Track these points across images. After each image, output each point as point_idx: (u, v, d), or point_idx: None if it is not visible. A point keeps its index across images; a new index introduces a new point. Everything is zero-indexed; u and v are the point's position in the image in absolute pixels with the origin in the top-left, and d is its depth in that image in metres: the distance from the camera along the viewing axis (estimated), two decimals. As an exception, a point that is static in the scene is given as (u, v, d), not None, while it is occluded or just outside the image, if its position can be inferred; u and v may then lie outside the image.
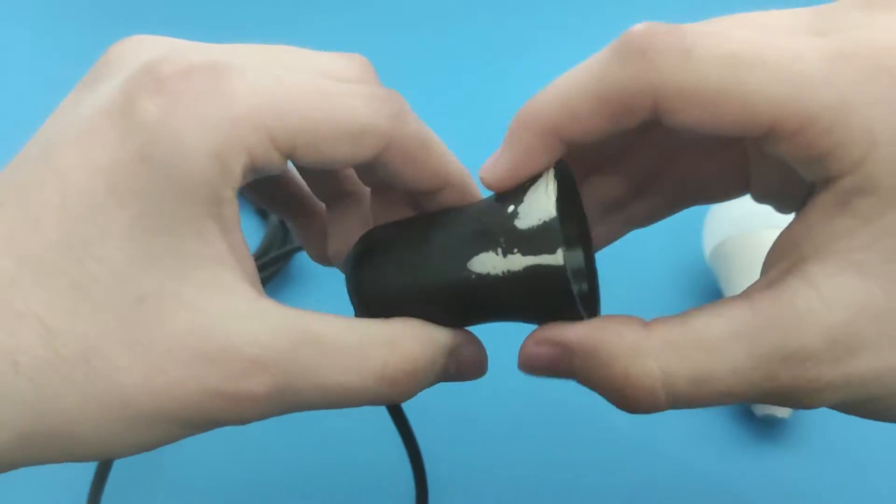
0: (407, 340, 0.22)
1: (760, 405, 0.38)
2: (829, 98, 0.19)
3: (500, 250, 0.22)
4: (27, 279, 0.20)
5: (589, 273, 0.26)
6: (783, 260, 0.21)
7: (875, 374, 0.20)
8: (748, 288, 0.22)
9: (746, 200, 0.28)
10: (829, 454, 0.38)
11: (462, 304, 0.23)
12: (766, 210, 0.28)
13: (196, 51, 0.21)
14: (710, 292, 0.44)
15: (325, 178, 0.28)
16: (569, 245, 0.26)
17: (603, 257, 0.27)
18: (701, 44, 0.20)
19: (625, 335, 0.21)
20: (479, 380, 0.41)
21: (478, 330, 0.25)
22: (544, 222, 0.22)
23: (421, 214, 0.26)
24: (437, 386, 0.24)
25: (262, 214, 0.50)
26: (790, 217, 0.23)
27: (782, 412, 0.38)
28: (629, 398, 0.21)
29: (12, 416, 0.19)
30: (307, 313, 0.22)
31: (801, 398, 0.20)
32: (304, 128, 0.21)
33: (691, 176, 0.27)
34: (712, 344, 0.20)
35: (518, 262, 0.22)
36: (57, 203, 0.20)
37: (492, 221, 0.23)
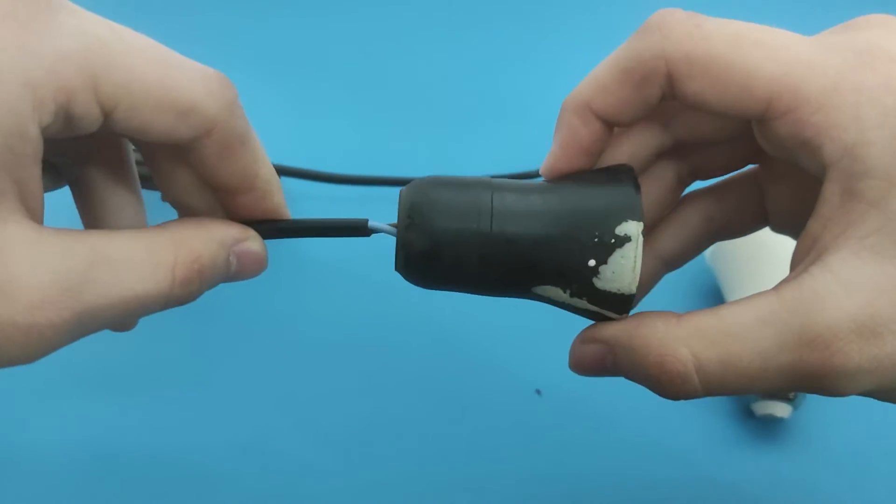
0: (189, 240, 0.23)
1: (760, 405, 0.38)
2: (820, 81, 0.21)
3: (568, 292, 0.23)
4: None
5: None
6: (807, 255, 0.22)
7: None
8: (778, 283, 0.22)
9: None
10: (829, 454, 0.38)
11: (513, 295, 0.24)
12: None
13: None
14: (710, 292, 0.43)
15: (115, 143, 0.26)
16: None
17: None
18: (709, 23, 0.22)
19: (657, 327, 0.22)
20: (480, 376, 0.41)
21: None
22: (623, 295, 0.23)
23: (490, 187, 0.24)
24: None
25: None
26: None
27: (782, 412, 0.37)
28: (665, 384, 0.22)
29: None
30: (90, 234, 0.21)
31: (832, 383, 0.20)
32: (132, 88, 0.21)
33: (714, 212, 0.28)
34: (740, 330, 0.21)
35: (582, 304, 0.23)
36: None
37: (569, 267, 0.23)
